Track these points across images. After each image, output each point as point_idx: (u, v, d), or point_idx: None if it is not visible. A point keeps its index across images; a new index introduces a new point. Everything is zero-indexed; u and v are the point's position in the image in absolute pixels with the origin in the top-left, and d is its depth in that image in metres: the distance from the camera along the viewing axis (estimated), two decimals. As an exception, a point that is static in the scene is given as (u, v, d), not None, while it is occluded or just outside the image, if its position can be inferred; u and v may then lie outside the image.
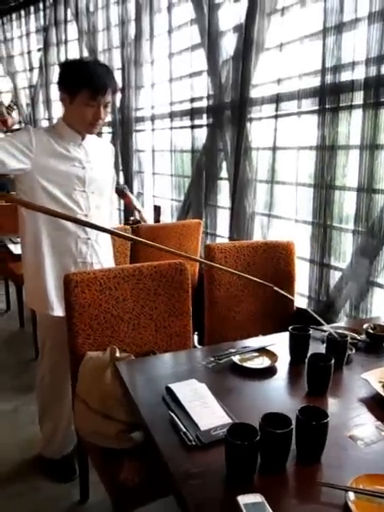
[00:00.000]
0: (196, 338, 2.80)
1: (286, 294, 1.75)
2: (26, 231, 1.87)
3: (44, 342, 2.00)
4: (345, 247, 2.26)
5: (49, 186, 1.78)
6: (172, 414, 1.16)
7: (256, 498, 0.85)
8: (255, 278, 1.78)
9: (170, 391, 1.26)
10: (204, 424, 1.11)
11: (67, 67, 1.84)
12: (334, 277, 2.33)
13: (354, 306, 2.20)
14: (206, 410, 1.17)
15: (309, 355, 1.31)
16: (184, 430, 1.09)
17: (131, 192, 4.24)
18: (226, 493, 0.91)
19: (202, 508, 0.88)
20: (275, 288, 1.74)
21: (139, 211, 3.47)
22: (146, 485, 1.41)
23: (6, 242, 3.50)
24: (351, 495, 0.88)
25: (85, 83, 1.72)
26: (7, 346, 3.47)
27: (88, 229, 1.87)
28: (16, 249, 3.25)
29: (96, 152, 1.93)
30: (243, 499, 0.85)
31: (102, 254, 1.98)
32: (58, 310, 1.87)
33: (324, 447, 1.00)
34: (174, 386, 1.28)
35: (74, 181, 1.83)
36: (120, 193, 3.56)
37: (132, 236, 2.01)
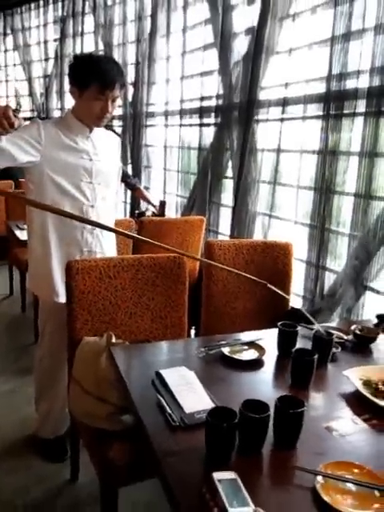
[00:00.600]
0: (193, 331, 2.87)
1: (279, 291, 1.80)
2: (33, 221, 1.94)
3: (44, 326, 2.07)
4: (341, 250, 2.32)
5: (57, 177, 1.85)
6: (160, 397, 1.22)
7: (230, 475, 0.92)
8: (249, 275, 1.83)
9: (159, 376, 1.33)
10: (189, 407, 1.18)
11: (78, 62, 1.90)
12: (329, 279, 2.39)
13: (347, 309, 2.25)
14: (192, 395, 1.24)
15: (294, 350, 1.37)
16: (169, 411, 1.16)
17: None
18: (204, 470, 0.97)
19: (179, 482, 0.95)
20: (269, 285, 1.80)
21: (154, 205, 3.54)
22: (133, 465, 1.47)
23: (13, 228, 3.57)
24: (319, 479, 0.94)
25: (94, 78, 1.78)
26: (8, 330, 3.55)
27: (94, 219, 1.93)
28: (22, 235, 3.31)
29: (103, 144, 1.99)
30: (218, 475, 0.91)
31: (106, 244, 2.05)
32: (63, 297, 1.94)
33: (299, 435, 1.07)
34: (164, 372, 1.34)
35: (82, 172, 1.89)
36: (132, 186, 3.63)
37: (132, 234, 2.06)
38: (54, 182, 1.85)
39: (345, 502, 0.90)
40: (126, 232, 1.91)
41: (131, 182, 3.56)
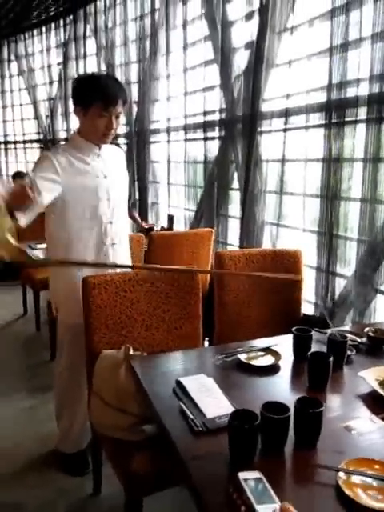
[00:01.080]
0: (207, 343, 2.89)
1: (288, 275, 1.80)
2: (56, 243, 1.99)
3: (62, 342, 2.11)
4: (350, 256, 2.35)
5: (77, 202, 1.89)
6: (181, 404, 1.26)
7: (255, 474, 0.95)
8: (256, 273, 1.83)
9: (179, 384, 1.36)
10: (210, 412, 1.21)
11: (80, 82, 1.97)
12: (340, 284, 2.41)
13: (359, 313, 2.28)
14: (213, 401, 1.27)
15: (310, 353, 1.40)
16: (192, 417, 1.19)
17: (145, 202, 4.41)
18: (229, 471, 1.00)
19: (206, 483, 0.98)
20: (278, 275, 1.80)
21: (141, 225, 3.62)
22: (156, 474, 1.50)
23: (26, 248, 3.63)
24: (342, 475, 0.97)
25: (97, 96, 1.83)
26: (24, 349, 3.60)
27: (112, 236, 2.00)
28: (34, 254, 3.38)
29: (112, 160, 2.05)
30: (243, 475, 0.94)
31: (121, 259, 2.10)
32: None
33: (319, 434, 1.09)
34: (184, 380, 1.38)
35: (99, 192, 1.95)
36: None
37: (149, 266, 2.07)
38: (75, 208, 1.89)
39: (367, 497, 0.92)
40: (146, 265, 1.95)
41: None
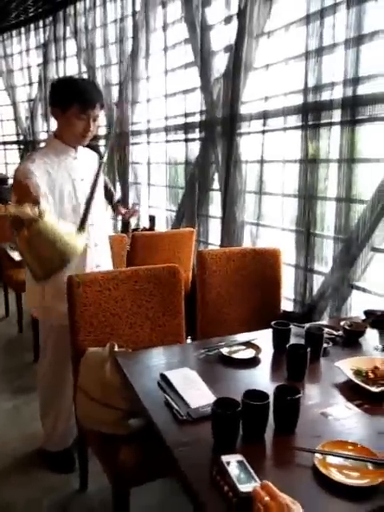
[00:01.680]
0: (189, 340, 2.94)
1: None
2: None
3: (46, 341, 2.13)
4: (327, 253, 2.43)
5: (60, 205, 1.93)
6: (166, 396, 1.31)
7: (237, 457, 1.00)
8: None
9: (164, 377, 1.41)
10: (194, 403, 1.26)
11: (59, 84, 2.00)
12: (318, 281, 2.49)
13: (336, 308, 2.36)
14: (196, 392, 1.32)
15: (288, 345, 1.47)
16: (176, 407, 1.24)
17: (126, 203, 4.43)
18: (212, 456, 1.05)
19: (191, 468, 1.03)
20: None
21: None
22: (142, 466, 1.54)
23: (7, 249, 3.63)
24: (318, 456, 1.03)
25: (75, 98, 1.87)
26: (7, 351, 3.60)
27: (93, 236, 2.04)
28: (16, 256, 3.37)
29: (88, 163, 2.09)
30: (226, 458, 0.99)
31: (105, 258, 2.14)
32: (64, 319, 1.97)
33: (297, 420, 1.16)
34: (168, 373, 1.43)
35: (79, 195, 1.98)
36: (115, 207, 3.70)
37: None
38: (58, 211, 1.91)
39: (341, 475, 0.98)
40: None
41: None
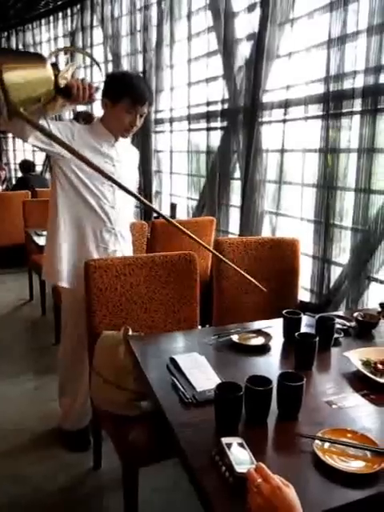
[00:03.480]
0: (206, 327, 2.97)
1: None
2: (57, 215, 2.06)
3: (66, 323, 2.21)
4: (345, 244, 2.41)
5: (82, 175, 2.00)
6: (173, 379, 1.34)
7: (237, 439, 1.03)
8: (251, 278, 1.89)
9: (173, 361, 1.45)
10: (200, 386, 1.29)
11: (114, 78, 2.10)
12: (335, 272, 2.48)
13: (352, 299, 2.34)
14: (203, 376, 1.35)
15: (297, 333, 1.48)
16: (182, 390, 1.27)
17: (149, 191, 4.45)
18: (214, 438, 1.08)
19: (192, 448, 1.06)
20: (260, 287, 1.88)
21: None
22: (151, 446, 1.59)
23: (32, 235, 3.73)
24: (318, 443, 1.05)
25: (127, 93, 1.95)
26: (30, 332, 3.71)
27: (113, 220, 2.10)
28: (40, 241, 3.46)
29: (125, 153, 2.15)
30: (226, 440, 1.02)
31: (123, 244, 2.18)
32: (65, 282, 2.08)
33: (300, 407, 1.17)
34: (177, 357, 1.46)
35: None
36: None
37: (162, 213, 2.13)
38: (82, 181, 2.00)
39: (339, 461, 1.00)
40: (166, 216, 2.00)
41: None
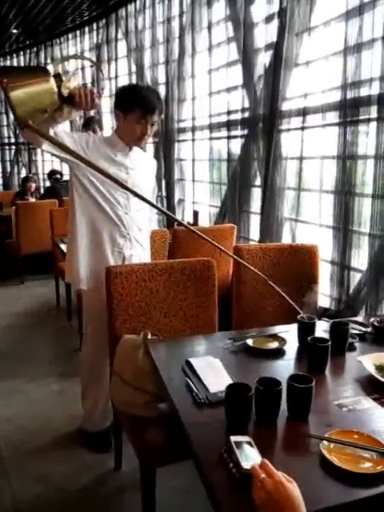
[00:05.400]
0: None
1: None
2: (75, 220, 2.15)
3: (86, 325, 2.28)
4: (363, 250, 2.41)
5: (97, 182, 2.08)
6: (188, 380, 1.38)
7: (245, 438, 1.06)
8: (273, 285, 1.93)
9: (188, 363, 1.49)
10: (213, 388, 1.33)
11: (124, 90, 2.17)
12: (354, 278, 2.47)
13: (372, 305, 2.34)
14: (217, 378, 1.39)
15: (310, 337, 1.50)
16: (196, 390, 1.32)
17: (172, 199, 4.52)
18: (224, 436, 1.12)
19: (202, 446, 1.10)
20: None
21: None
22: (167, 447, 1.63)
23: (58, 242, 3.84)
24: (325, 443, 1.07)
25: (137, 104, 2.03)
26: (56, 337, 3.82)
27: (127, 225, 2.17)
28: (66, 248, 3.55)
29: (140, 163, 2.23)
30: (235, 438, 1.05)
31: (139, 250, 2.24)
32: (84, 284, 2.16)
33: (309, 408, 1.20)
34: (193, 360, 1.50)
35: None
36: None
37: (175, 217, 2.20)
38: (96, 187, 2.09)
39: (345, 462, 1.02)
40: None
41: None
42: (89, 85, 1.82)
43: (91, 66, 6.30)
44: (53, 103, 1.69)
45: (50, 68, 1.72)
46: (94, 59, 6.25)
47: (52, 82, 1.65)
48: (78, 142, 2.03)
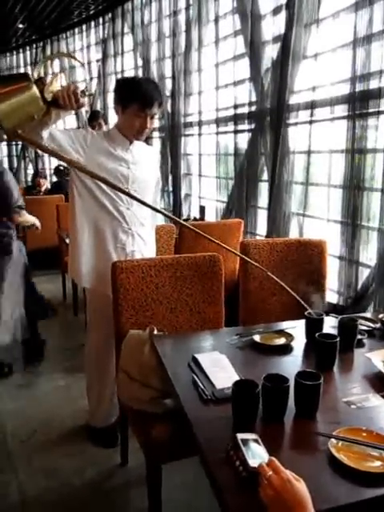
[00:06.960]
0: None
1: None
2: (75, 217, 2.14)
3: (90, 321, 2.28)
4: (373, 245, 2.38)
5: (97, 182, 2.04)
6: (194, 376, 1.37)
7: (252, 436, 1.05)
8: (279, 280, 1.91)
9: (194, 359, 1.48)
10: (220, 384, 1.32)
11: (122, 84, 2.14)
12: (363, 274, 2.45)
13: (380, 301, 2.31)
14: (223, 374, 1.38)
15: (318, 334, 1.48)
16: (202, 387, 1.30)
17: (179, 194, 4.50)
18: (231, 433, 1.11)
19: (209, 443, 1.09)
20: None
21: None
22: (173, 443, 1.62)
23: (64, 237, 3.84)
24: (333, 441, 1.05)
25: (135, 97, 2.00)
26: (63, 332, 3.82)
27: (128, 220, 2.14)
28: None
29: (142, 156, 2.19)
30: (241, 436, 1.04)
31: (141, 245, 2.23)
32: (86, 283, 2.16)
33: (317, 405, 1.18)
34: (199, 356, 1.49)
35: (119, 177, 2.10)
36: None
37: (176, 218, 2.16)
38: (97, 185, 2.06)
39: (354, 461, 1.00)
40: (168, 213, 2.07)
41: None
42: (72, 84, 1.76)
43: (97, 61, 6.28)
44: (39, 110, 1.64)
45: (33, 72, 1.67)
46: (96, 54, 6.25)
47: (34, 88, 1.60)
48: (76, 139, 2.00)
